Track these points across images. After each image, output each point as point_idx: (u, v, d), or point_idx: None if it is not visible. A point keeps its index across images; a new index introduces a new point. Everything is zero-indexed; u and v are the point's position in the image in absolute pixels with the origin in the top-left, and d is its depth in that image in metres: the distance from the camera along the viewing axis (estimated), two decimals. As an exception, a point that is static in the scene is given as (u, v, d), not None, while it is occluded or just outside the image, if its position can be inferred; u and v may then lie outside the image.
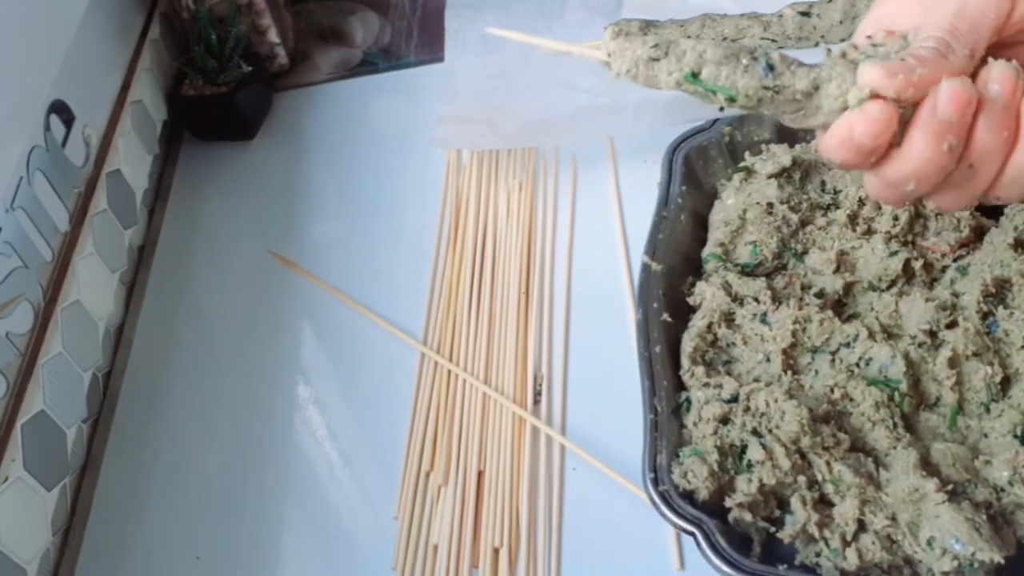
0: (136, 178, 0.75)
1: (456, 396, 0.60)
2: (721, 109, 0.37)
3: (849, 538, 0.45)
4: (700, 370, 0.52)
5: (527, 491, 0.55)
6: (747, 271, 0.57)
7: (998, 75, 0.35)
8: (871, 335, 0.52)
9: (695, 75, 0.36)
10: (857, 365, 0.51)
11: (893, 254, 0.55)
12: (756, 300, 0.55)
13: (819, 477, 0.47)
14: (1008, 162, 0.36)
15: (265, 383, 0.65)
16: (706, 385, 0.51)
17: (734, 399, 0.50)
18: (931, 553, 0.44)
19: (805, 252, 0.58)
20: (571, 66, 0.77)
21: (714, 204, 0.61)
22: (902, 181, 0.36)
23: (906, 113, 0.35)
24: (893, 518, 0.45)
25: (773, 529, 0.47)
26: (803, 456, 0.48)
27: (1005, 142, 0.35)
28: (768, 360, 0.53)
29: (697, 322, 0.54)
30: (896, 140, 0.36)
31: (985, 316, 0.52)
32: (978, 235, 0.56)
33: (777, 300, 0.54)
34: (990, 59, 0.36)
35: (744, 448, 0.48)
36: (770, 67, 0.36)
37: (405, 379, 0.62)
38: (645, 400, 0.51)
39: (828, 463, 0.47)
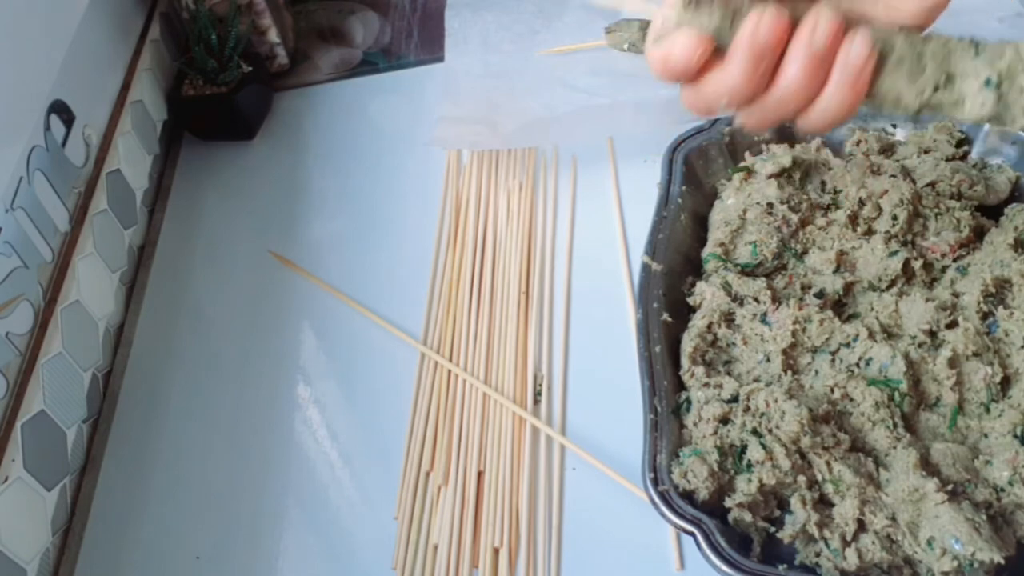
0: (136, 178, 0.75)
1: (456, 396, 0.60)
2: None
3: (849, 538, 0.45)
4: (700, 370, 0.52)
5: (527, 491, 0.55)
6: (747, 271, 0.57)
7: (824, 24, 0.37)
8: (871, 335, 0.52)
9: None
10: (857, 365, 0.51)
11: (893, 254, 0.55)
12: (756, 300, 0.55)
13: (819, 477, 0.47)
14: (816, 101, 0.38)
15: (265, 383, 0.65)
16: (706, 385, 0.51)
17: (734, 399, 0.50)
18: (931, 553, 0.44)
19: (805, 252, 0.58)
20: (571, 66, 0.77)
21: (714, 204, 0.61)
22: (716, 97, 0.39)
23: (722, 36, 0.38)
24: (893, 518, 0.45)
25: (773, 529, 0.47)
26: (803, 456, 0.48)
27: (816, 83, 0.38)
28: (768, 360, 0.53)
29: (697, 322, 0.54)
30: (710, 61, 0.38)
31: (985, 316, 0.52)
32: (978, 235, 0.56)
33: (777, 300, 0.54)
34: (821, 5, 0.37)
35: (744, 448, 0.48)
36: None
37: (405, 379, 0.62)
38: (645, 400, 0.51)
39: (828, 463, 0.47)
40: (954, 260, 0.55)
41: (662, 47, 0.39)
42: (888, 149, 0.62)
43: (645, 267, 0.56)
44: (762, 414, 0.49)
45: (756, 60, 0.37)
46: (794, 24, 0.37)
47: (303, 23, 0.91)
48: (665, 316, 0.54)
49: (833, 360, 0.52)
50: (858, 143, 0.62)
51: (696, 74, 0.39)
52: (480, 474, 0.56)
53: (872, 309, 0.54)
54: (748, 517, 0.47)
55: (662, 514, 0.47)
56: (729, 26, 0.38)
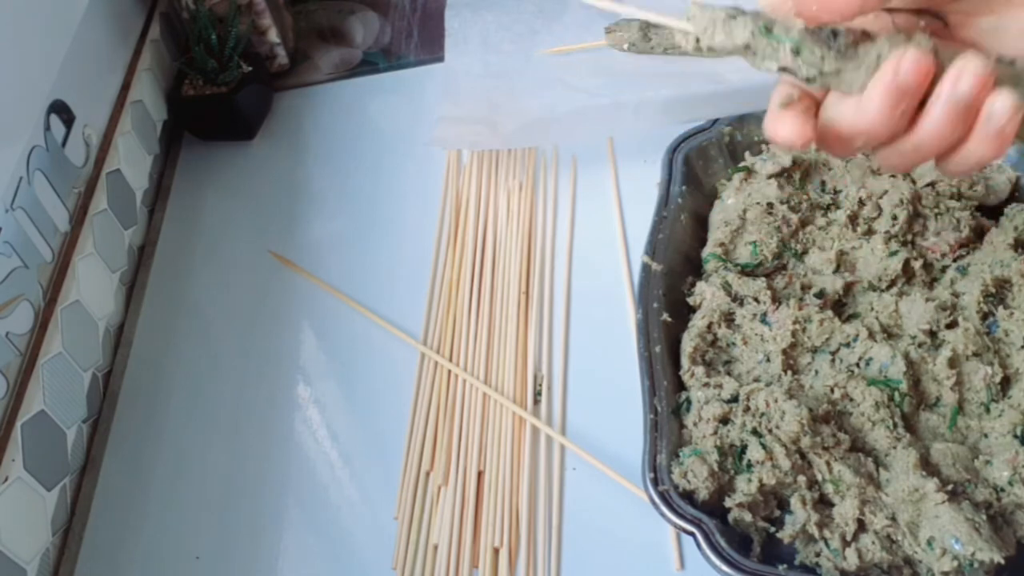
0: (136, 178, 0.75)
1: (456, 396, 0.60)
2: (783, 70, 0.37)
3: (849, 538, 0.45)
4: (700, 370, 0.52)
5: (527, 491, 0.55)
6: (747, 271, 0.57)
7: (970, 76, 0.35)
8: (871, 335, 0.52)
9: (768, 29, 0.37)
10: (857, 365, 0.51)
11: (893, 254, 0.55)
12: (756, 300, 0.55)
13: (819, 477, 0.47)
14: (960, 149, 0.37)
15: (265, 383, 0.65)
16: (706, 385, 0.51)
17: (734, 399, 0.50)
18: (931, 553, 0.44)
19: (805, 252, 0.58)
20: (571, 66, 0.77)
21: (714, 204, 0.61)
22: (851, 136, 0.38)
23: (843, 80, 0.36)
24: (893, 518, 0.45)
25: (773, 529, 0.47)
26: (803, 456, 0.48)
27: (959, 133, 0.36)
28: (768, 360, 0.53)
29: (697, 322, 0.54)
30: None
31: (985, 316, 0.52)
32: (978, 235, 0.56)
33: (777, 300, 0.54)
34: (969, 52, 0.35)
35: (744, 448, 0.48)
36: (834, 34, 0.37)
37: (405, 379, 0.62)
38: (645, 400, 0.51)
39: (828, 463, 0.47)
40: (954, 260, 0.55)
41: (773, 124, 0.38)
42: (888, 149, 0.62)
43: (645, 267, 0.56)
44: (762, 414, 0.49)
45: (895, 102, 0.35)
46: (937, 65, 0.35)
47: (303, 23, 0.91)
48: (665, 316, 0.54)
49: (833, 360, 0.52)
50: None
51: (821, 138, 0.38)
52: (480, 474, 0.56)
53: (872, 309, 0.54)
54: (748, 517, 0.47)
55: (662, 514, 0.47)
56: (740, 14, 0.37)
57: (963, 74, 0.35)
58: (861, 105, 0.36)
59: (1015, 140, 0.37)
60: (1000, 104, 0.35)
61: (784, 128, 0.38)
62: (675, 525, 0.46)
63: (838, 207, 0.59)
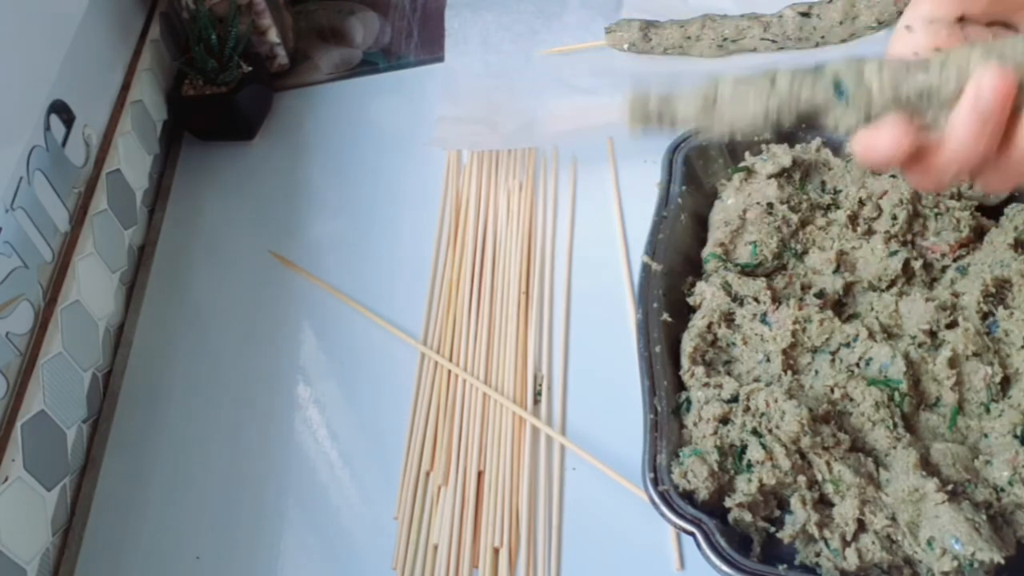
0: (136, 178, 0.75)
1: (456, 396, 0.60)
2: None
3: (849, 538, 0.45)
4: (700, 370, 0.52)
5: (527, 491, 0.55)
6: (747, 271, 0.57)
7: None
8: (871, 335, 0.52)
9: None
10: (857, 365, 0.51)
11: (893, 254, 0.55)
12: (756, 300, 0.55)
13: (819, 477, 0.47)
14: None
15: (265, 383, 0.65)
16: (706, 385, 0.51)
17: (734, 399, 0.50)
18: (931, 553, 0.44)
19: (805, 252, 0.58)
20: (571, 66, 0.77)
21: (714, 204, 0.61)
22: (944, 172, 0.36)
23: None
24: (893, 518, 0.45)
25: (773, 529, 0.47)
26: (803, 456, 0.48)
27: None
28: (768, 360, 0.53)
29: (697, 322, 0.54)
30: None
31: (985, 316, 0.52)
32: (978, 235, 0.56)
33: (777, 300, 0.54)
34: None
35: (744, 448, 0.48)
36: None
37: (405, 379, 0.62)
38: (645, 400, 0.51)
39: (828, 463, 0.47)
40: (954, 260, 0.55)
41: (867, 136, 0.36)
42: (888, 149, 0.62)
43: (645, 267, 0.56)
44: (762, 414, 0.49)
45: (982, 125, 0.34)
46: (1018, 75, 0.34)
47: (303, 23, 0.91)
48: (665, 316, 0.54)
49: (833, 360, 0.52)
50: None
51: (911, 158, 0.36)
52: (480, 474, 0.56)
53: (872, 309, 0.54)
54: (748, 517, 0.47)
55: (662, 514, 0.47)
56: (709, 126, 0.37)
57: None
58: (947, 142, 0.35)
59: None
60: None
61: (882, 138, 0.35)
62: (675, 525, 0.46)
63: (838, 207, 0.59)
